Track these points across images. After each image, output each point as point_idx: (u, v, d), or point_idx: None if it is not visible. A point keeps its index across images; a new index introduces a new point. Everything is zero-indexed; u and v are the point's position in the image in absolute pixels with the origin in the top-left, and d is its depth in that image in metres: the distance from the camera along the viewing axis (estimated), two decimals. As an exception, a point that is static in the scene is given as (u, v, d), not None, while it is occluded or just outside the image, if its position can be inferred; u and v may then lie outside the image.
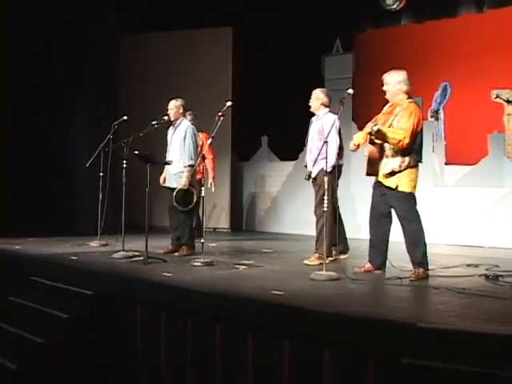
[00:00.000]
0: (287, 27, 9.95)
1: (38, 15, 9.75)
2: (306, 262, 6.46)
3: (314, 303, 4.42)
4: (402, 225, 5.56)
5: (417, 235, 5.49)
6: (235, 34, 10.78)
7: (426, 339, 3.65)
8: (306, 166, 6.85)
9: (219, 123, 6.49)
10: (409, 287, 5.16)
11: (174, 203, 6.96)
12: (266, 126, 10.73)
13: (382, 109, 5.88)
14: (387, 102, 5.86)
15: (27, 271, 6.74)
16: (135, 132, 7.20)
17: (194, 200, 6.94)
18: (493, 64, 8.55)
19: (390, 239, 5.77)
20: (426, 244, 5.51)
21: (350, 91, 5.90)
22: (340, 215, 6.79)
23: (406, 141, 5.35)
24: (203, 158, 6.84)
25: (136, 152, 6.77)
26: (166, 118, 7.24)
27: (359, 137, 5.71)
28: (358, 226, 9.75)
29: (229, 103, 6.55)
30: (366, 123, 9.30)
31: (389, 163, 5.50)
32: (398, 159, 5.46)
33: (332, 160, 6.37)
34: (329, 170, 6.33)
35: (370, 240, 5.82)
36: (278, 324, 4.38)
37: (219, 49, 10.77)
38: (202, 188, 6.54)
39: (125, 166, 7.13)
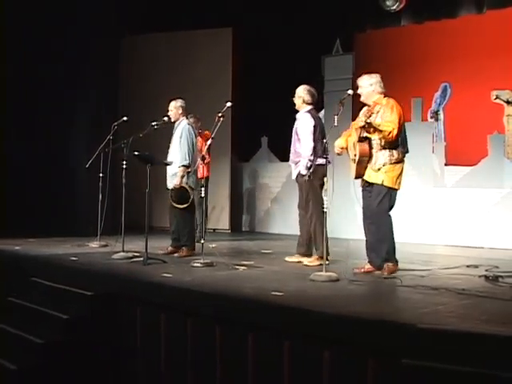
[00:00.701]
0: (287, 28, 9.95)
1: (38, 15, 9.76)
2: (305, 262, 6.46)
3: (313, 304, 4.42)
4: (374, 221, 5.64)
5: (387, 232, 5.61)
6: (235, 34, 10.79)
7: (425, 340, 3.65)
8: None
9: (219, 124, 6.49)
10: (409, 288, 5.15)
11: (171, 202, 6.96)
12: (265, 127, 10.73)
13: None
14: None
15: (27, 272, 6.74)
16: (135, 133, 7.20)
17: (190, 200, 6.94)
18: (492, 65, 8.56)
19: (397, 240, 5.77)
20: (393, 239, 5.64)
21: (350, 92, 5.91)
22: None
23: (395, 132, 5.46)
24: (203, 158, 6.84)
25: (136, 153, 6.77)
26: (165, 118, 7.24)
27: (341, 142, 5.86)
28: (357, 227, 9.77)
29: (229, 104, 6.56)
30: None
31: (379, 158, 5.58)
32: (387, 153, 5.56)
33: (304, 162, 6.43)
34: (303, 172, 6.41)
35: (366, 242, 5.85)
36: (278, 324, 4.38)
37: (219, 49, 10.77)
38: (202, 189, 6.55)
39: (125, 166, 7.13)
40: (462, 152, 8.93)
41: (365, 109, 5.85)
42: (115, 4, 10.12)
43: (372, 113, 5.66)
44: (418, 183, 9.02)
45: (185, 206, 6.96)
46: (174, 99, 7.29)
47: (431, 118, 9.82)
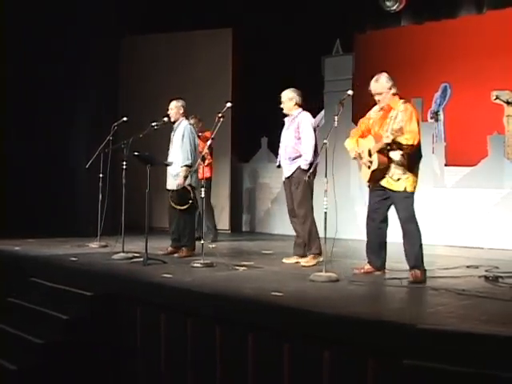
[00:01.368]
0: (287, 28, 9.95)
1: (38, 15, 9.76)
2: (302, 263, 6.46)
3: (313, 304, 4.43)
4: (402, 225, 5.54)
5: (416, 236, 5.49)
6: (235, 34, 10.78)
7: (425, 340, 3.65)
8: (278, 166, 6.84)
9: (219, 124, 6.50)
10: (408, 288, 5.16)
11: (171, 203, 6.96)
12: (265, 127, 10.72)
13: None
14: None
15: (27, 272, 6.74)
16: (135, 133, 7.20)
17: (191, 201, 6.94)
18: (492, 65, 8.56)
19: (390, 240, 5.77)
20: (422, 245, 5.50)
21: (350, 92, 5.92)
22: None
23: (416, 142, 5.41)
24: (203, 159, 6.84)
25: (136, 153, 6.77)
26: (165, 119, 7.24)
27: (352, 144, 5.79)
28: (358, 227, 9.77)
29: (228, 104, 6.56)
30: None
31: (398, 169, 5.48)
32: (406, 162, 5.47)
33: (308, 158, 6.46)
34: (305, 167, 6.42)
35: (368, 243, 5.81)
36: (278, 325, 4.38)
37: (219, 49, 10.77)
38: (202, 189, 6.55)
39: (125, 167, 7.13)
40: (461, 152, 8.93)
41: (377, 108, 5.76)
42: (115, 4, 10.12)
43: (387, 118, 5.58)
44: (418, 184, 9.00)
45: (185, 207, 6.97)
46: (175, 99, 7.29)
47: (431, 118, 9.82)
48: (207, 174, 9.07)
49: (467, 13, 8.62)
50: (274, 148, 10.77)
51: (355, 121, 9.80)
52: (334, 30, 9.88)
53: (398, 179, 5.50)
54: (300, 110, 6.73)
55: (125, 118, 7.90)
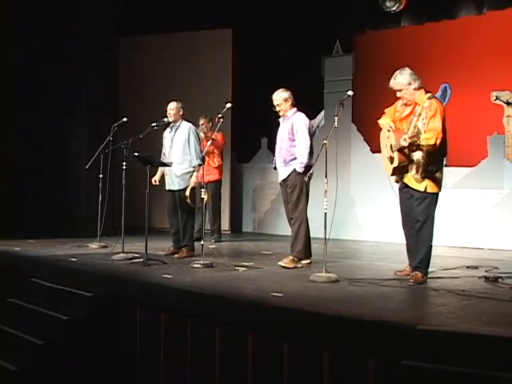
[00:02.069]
0: (287, 29, 9.94)
1: (38, 15, 9.76)
2: (279, 263, 6.33)
3: (313, 305, 4.42)
4: (415, 225, 5.45)
5: (427, 239, 5.42)
6: (235, 35, 10.79)
7: (425, 341, 3.65)
8: (275, 168, 6.77)
9: (219, 125, 6.50)
10: (408, 289, 5.15)
11: (189, 202, 6.92)
12: (265, 128, 10.70)
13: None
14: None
15: (27, 273, 6.74)
16: (135, 133, 7.20)
17: (205, 197, 6.97)
18: (492, 66, 8.54)
19: (399, 241, 5.73)
20: (431, 249, 5.45)
21: (350, 93, 5.89)
22: None
23: (439, 141, 5.25)
24: (203, 159, 6.85)
25: (136, 154, 6.77)
26: (165, 119, 7.24)
27: (387, 120, 5.60)
28: (358, 227, 9.78)
29: (228, 105, 6.56)
30: (366, 125, 9.32)
31: (420, 167, 5.36)
32: (429, 162, 5.34)
33: (303, 160, 6.36)
34: (300, 170, 6.34)
35: (407, 245, 5.66)
36: (278, 326, 4.38)
37: (219, 50, 10.77)
38: (202, 190, 6.56)
39: (125, 167, 7.13)
40: (461, 153, 8.91)
41: (399, 105, 5.63)
42: (115, 5, 10.13)
43: (412, 115, 5.44)
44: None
45: (195, 205, 6.99)
46: (174, 100, 7.28)
47: (431, 118, 9.81)
48: (216, 176, 9.13)
49: (467, 13, 8.61)
50: (274, 149, 10.80)
51: (355, 121, 9.84)
52: (333, 31, 9.88)
53: (420, 178, 5.36)
54: (294, 109, 6.60)
55: (125, 119, 7.91)
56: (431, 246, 5.47)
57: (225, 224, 10.71)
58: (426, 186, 5.38)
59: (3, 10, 9.57)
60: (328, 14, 9.45)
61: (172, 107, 7.20)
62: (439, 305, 4.51)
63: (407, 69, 5.59)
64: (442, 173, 5.45)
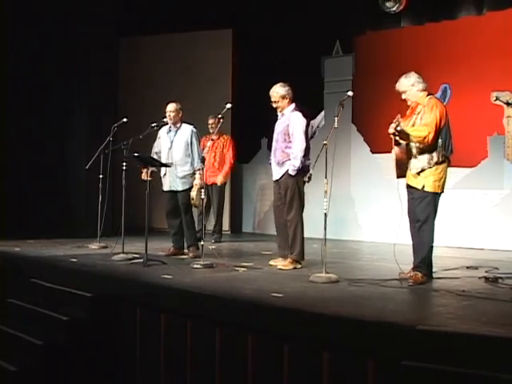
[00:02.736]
0: (287, 29, 9.95)
1: (38, 15, 9.76)
2: (279, 266, 6.30)
3: (313, 305, 4.42)
4: (416, 224, 5.46)
5: (428, 239, 5.43)
6: (235, 35, 10.79)
7: (425, 341, 3.65)
8: (270, 164, 6.68)
9: (219, 125, 6.51)
10: (408, 289, 5.15)
11: (194, 202, 6.91)
12: (265, 128, 10.70)
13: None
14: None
15: (27, 273, 6.74)
16: (135, 134, 7.20)
17: (203, 198, 6.98)
18: (492, 66, 8.54)
19: (399, 242, 5.73)
20: (432, 249, 5.44)
21: (350, 93, 5.88)
22: None
23: (431, 136, 5.25)
24: (203, 161, 6.85)
25: (136, 154, 6.77)
26: (165, 120, 7.24)
27: None
28: (358, 228, 9.78)
29: (228, 105, 6.56)
30: (366, 125, 9.35)
31: (417, 162, 5.39)
32: (426, 156, 5.35)
33: (296, 164, 6.23)
34: (293, 173, 6.24)
35: (413, 245, 5.63)
36: (278, 326, 4.38)
37: (219, 51, 10.77)
38: (202, 190, 6.56)
39: (124, 168, 7.12)
40: (461, 153, 8.89)
41: (408, 111, 5.65)
42: (115, 4, 10.13)
43: (413, 114, 5.50)
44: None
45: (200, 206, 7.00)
46: (173, 101, 7.27)
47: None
48: (221, 179, 9.17)
49: (467, 14, 8.61)
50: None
51: (355, 122, 9.84)
52: (333, 31, 9.89)
53: (418, 173, 5.37)
54: (292, 106, 6.44)
55: (125, 119, 7.90)
56: (432, 246, 5.47)
57: (225, 224, 10.69)
58: (424, 184, 5.39)
59: (3, 9, 9.57)
60: (328, 14, 9.45)
61: (172, 109, 7.20)
62: (439, 305, 4.51)
63: (413, 72, 5.63)
64: (442, 173, 5.43)
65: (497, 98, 8.60)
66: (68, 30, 9.83)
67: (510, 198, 8.43)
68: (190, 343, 5.01)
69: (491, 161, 8.64)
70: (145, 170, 6.99)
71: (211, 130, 8.77)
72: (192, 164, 7.13)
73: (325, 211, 5.52)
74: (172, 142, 7.20)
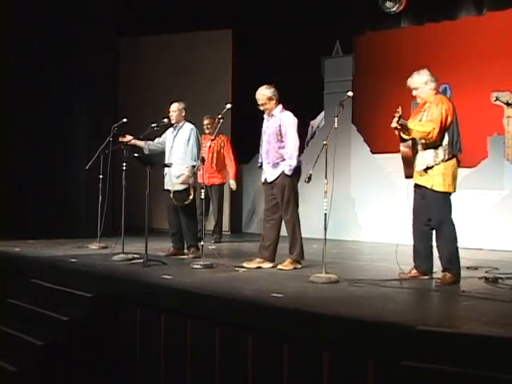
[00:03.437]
0: (287, 30, 9.96)
1: (38, 15, 9.77)
2: (279, 266, 6.27)
3: (313, 305, 4.42)
4: (435, 226, 5.41)
5: (450, 238, 5.37)
6: (235, 36, 10.80)
7: (425, 341, 3.65)
8: (260, 167, 6.60)
9: (219, 126, 6.50)
10: (408, 290, 5.15)
11: (173, 201, 6.94)
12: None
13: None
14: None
15: (26, 273, 6.74)
16: (135, 134, 7.20)
17: (190, 198, 6.97)
18: (492, 66, 8.55)
19: (406, 242, 5.72)
20: (457, 248, 5.41)
21: (350, 94, 5.87)
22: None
23: (436, 131, 5.20)
24: (203, 160, 6.85)
25: (136, 154, 6.77)
26: (165, 120, 7.25)
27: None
28: (358, 228, 9.78)
29: (228, 106, 6.55)
30: (366, 125, 9.32)
31: (422, 159, 5.35)
32: (431, 153, 5.30)
33: (293, 163, 6.20)
34: (289, 173, 6.19)
35: (413, 245, 5.62)
36: (278, 326, 4.38)
37: (219, 51, 10.78)
38: (202, 190, 6.56)
39: (124, 168, 7.12)
40: (461, 154, 8.93)
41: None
42: (115, 4, 10.14)
43: (420, 111, 5.47)
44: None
45: (186, 203, 6.99)
46: (176, 101, 7.28)
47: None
48: (220, 180, 9.16)
49: (467, 14, 8.62)
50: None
51: (355, 122, 9.84)
52: (333, 31, 9.89)
53: (425, 171, 5.32)
54: (280, 107, 6.39)
55: (125, 119, 7.89)
56: (457, 246, 5.40)
57: (225, 224, 10.69)
58: (433, 183, 5.33)
59: (3, 9, 9.58)
60: (328, 14, 9.46)
61: (174, 109, 7.21)
62: (439, 305, 4.51)
63: (426, 70, 5.59)
64: (450, 171, 5.35)
65: (497, 99, 8.61)
66: (68, 29, 9.83)
67: (509, 199, 8.44)
68: (190, 343, 5.01)
69: (491, 161, 8.64)
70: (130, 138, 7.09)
71: (207, 131, 8.78)
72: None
73: (325, 211, 5.51)
74: (173, 142, 7.21)
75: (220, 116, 6.45)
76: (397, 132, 5.39)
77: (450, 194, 5.40)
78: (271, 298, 4.67)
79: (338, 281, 5.41)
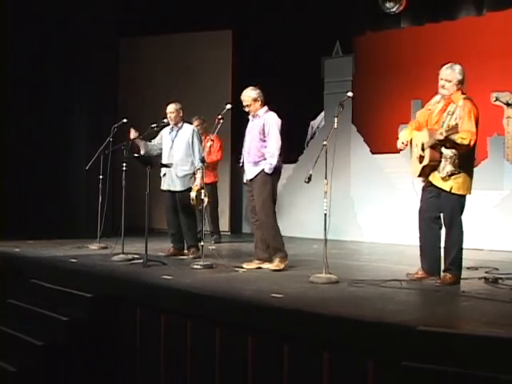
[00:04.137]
0: (287, 30, 9.96)
1: (38, 15, 9.77)
2: (271, 268, 6.24)
3: (313, 306, 4.42)
4: (445, 226, 5.42)
5: (457, 240, 5.41)
6: (235, 36, 10.80)
7: (425, 342, 3.65)
8: (242, 166, 6.65)
9: (219, 126, 6.50)
10: (408, 290, 5.15)
11: (194, 203, 6.89)
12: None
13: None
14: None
15: (26, 274, 6.73)
16: (140, 128, 7.21)
17: (206, 200, 6.97)
18: (492, 66, 8.55)
19: (406, 242, 5.70)
20: (462, 250, 5.42)
21: (350, 94, 5.87)
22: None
23: (472, 143, 5.21)
24: (203, 160, 6.85)
25: (136, 155, 6.77)
26: (165, 120, 7.25)
27: (406, 134, 5.54)
28: (358, 228, 9.78)
29: (228, 106, 6.56)
30: (366, 126, 9.31)
31: (448, 165, 5.30)
32: (458, 162, 5.27)
33: (273, 162, 6.23)
34: (269, 172, 6.22)
35: (420, 246, 5.60)
36: (278, 326, 4.38)
37: (219, 51, 10.79)
38: (202, 191, 6.56)
39: (124, 168, 7.13)
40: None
41: (437, 98, 5.55)
42: (115, 4, 10.14)
43: (443, 114, 5.39)
44: (418, 186, 9.00)
45: (204, 204, 6.98)
46: (173, 102, 7.27)
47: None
48: (212, 179, 9.14)
49: (467, 14, 8.62)
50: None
51: (355, 122, 9.84)
52: (333, 32, 9.90)
53: (446, 177, 5.30)
54: (265, 108, 6.43)
55: (125, 120, 7.90)
56: (462, 248, 5.42)
57: (225, 225, 10.71)
58: (452, 186, 5.32)
59: (3, 9, 9.58)
60: (328, 14, 9.46)
61: (172, 110, 7.20)
62: (439, 305, 4.51)
63: (460, 66, 5.58)
64: (470, 175, 5.37)
65: (497, 99, 8.60)
66: (68, 29, 9.84)
67: (509, 199, 8.44)
68: (190, 343, 5.01)
69: (491, 161, 8.64)
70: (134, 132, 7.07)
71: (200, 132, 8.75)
72: (193, 164, 7.14)
73: (325, 212, 5.51)
74: (173, 142, 7.20)
75: (220, 116, 6.45)
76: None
77: (465, 195, 5.43)
78: (271, 299, 4.67)
79: (337, 281, 5.41)
